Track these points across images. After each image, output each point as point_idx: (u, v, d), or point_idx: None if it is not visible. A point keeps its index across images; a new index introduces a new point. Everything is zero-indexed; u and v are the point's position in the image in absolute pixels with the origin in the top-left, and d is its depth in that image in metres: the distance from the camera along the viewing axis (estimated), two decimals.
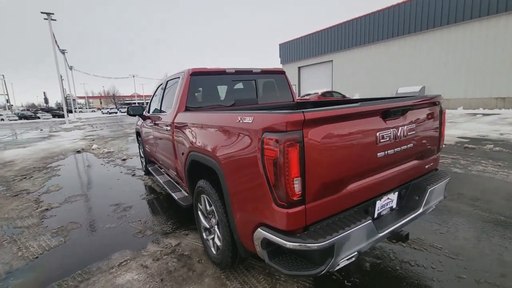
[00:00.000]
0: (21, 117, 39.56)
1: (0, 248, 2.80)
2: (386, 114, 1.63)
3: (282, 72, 3.67)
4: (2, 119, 37.18)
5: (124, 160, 6.98)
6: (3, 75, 48.87)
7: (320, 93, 14.60)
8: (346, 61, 20.62)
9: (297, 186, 1.33)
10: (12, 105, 62.46)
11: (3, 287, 2.18)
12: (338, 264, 1.48)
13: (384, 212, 1.85)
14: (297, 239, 1.35)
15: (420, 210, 1.88)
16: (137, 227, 3.11)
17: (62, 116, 31.12)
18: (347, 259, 1.51)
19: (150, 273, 2.24)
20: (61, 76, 35.34)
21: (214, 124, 1.96)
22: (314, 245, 1.33)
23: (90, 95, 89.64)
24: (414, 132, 1.82)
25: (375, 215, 1.79)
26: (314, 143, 1.34)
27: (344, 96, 15.93)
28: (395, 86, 17.23)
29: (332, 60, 21.73)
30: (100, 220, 3.38)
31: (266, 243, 1.48)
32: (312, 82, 23.73)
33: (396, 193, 1.90)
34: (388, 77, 17.96)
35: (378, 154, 1.61)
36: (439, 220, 2.85)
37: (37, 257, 2.61)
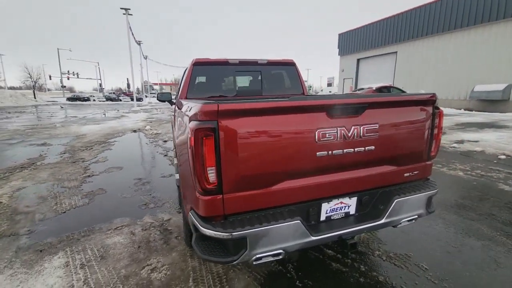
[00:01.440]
0: (108, 99, 46.71)
1: (44, 202, 3.52)
2: (331, 111, 1.51)
3: (291, 64, 3.55)
4: (94, 100, 44.54)
5: (165, 141, 7.75)
6: (98, 63, 58.43)
7: (374, 88, 13.36)
8: (413, 52, 18.12)
9: (211, 175, 1.37)
10: (104, 89, 73.95)
11: (32, 230, 2.78)
12: (260, 259, 1.48)
13: (336, 216, 1.74)
14: (210, 226, 1.41)
15: (381, 221, 1.70)
16: (145, 200, 3.52)
17: (139, 99, 35.68)
18: (272, 256, 1.50)
19: (134, 239, 2.56)
20: (141, 65, 40.30)
21: (180, 112, 2.09)
22: (222, 234, 1.37)
23: (164, 82, 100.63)
24: (376, 133, 1.63)
25: (322, 218, 1.70)
26: (232, 134, 1.35)
27: (403, 92, 14.25)
28: (472, 83, 14.55)
29: (396, 52, 19.38)
30: (121, 190, 3.91)
31: (194, 226, 1.57)
32: (371, 76, 21.69)
33: (355, 198, 1.75)
34: (464, 72, 15.22)
35: (317, 153, 1.51)
36: (444, 240, 2.47)
37: (64, 212, 3.22)
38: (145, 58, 38.72)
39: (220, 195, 1.41)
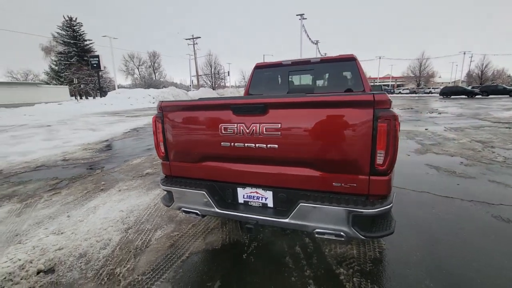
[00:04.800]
0: None
1: None
2: (234, 110, 1.78)
3: (350, 59, 3.23)
4: None
5: None
6: None
7: None
8: None
9: (162, 147, 2.15)
10: None
11: None
12: (187, 212, 2.11)
13: (254, 204, 1.95)
14: (161, 180, 2.21)
15: (284, 220, 1.75)
16: None
17: None
18: (193, 213, 2.07)
19: None
20: None
21: None
22: (161, 186, 2.14)
23: None
24: (278, 133, 1.68)
25: (240, 200, 1.99)
26: (170, 122, 2.05)
27: None
28: None
29: None
30: None
31: None
32: None
33: (270, 192, 1.87)
34: None
35: (221, 143, 1.85)
36: None
37: None
38: (324, 55, 40.96)
39: (168, 161, 2.17)
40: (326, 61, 3.37)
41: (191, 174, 2.12)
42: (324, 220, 1.65)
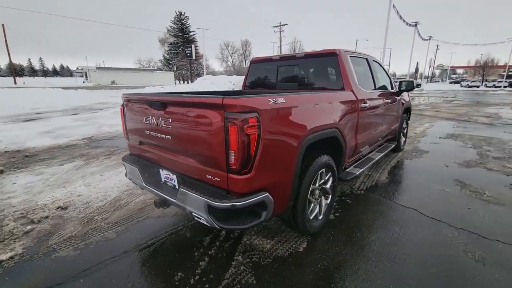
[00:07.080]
0: None
1: None
2: (149, 104, 2.16)
3: (332, 54, 2.98)
4: None
5: None
6: (390, 49, 61.44)
7: None
8: None
9: (125, 130, 2.75)
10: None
11: None
12: (134, 183, 2.67)
13: (169, 184, 2.33)
14: None
15: (173, 200, 2.07)
16: None
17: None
18: (138, 185, 2.62)
19: None
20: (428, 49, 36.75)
21: None
22: (121, 160, 2.76)
23: (464, 65, 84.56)
24: (169, 126, 1.98)
25: (162, 180, 2.40)
26: (126, 110, 2.61)
27: None
28: None
29: None
30: None
31: None
32: None
33: (175, 176, 2.21)
34: None
35: (145, 131, 2.28)
36: None
37: None
38: (429, 38, 34.38)
39: (128, 141, 2.76)
40: (309, 56, 3.23)
41: (136, 153, 2.65)
42: (193, 205, 1.89)
